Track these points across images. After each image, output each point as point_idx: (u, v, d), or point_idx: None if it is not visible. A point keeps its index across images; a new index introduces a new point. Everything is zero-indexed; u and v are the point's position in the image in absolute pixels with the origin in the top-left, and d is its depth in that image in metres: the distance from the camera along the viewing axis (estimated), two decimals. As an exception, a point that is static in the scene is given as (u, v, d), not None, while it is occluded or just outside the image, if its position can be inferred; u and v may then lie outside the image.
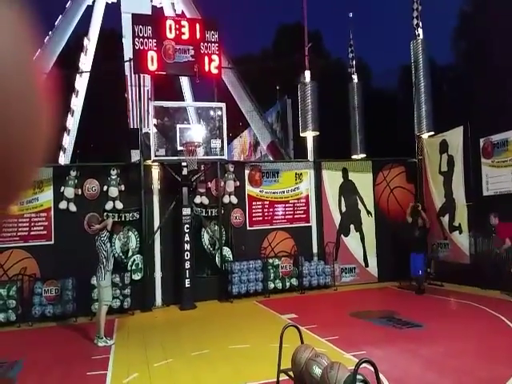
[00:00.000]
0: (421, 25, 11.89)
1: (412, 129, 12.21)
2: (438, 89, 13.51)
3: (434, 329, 7.07)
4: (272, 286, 10.64)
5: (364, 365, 3.00)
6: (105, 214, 9.92)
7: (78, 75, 18.97)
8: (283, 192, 11.57)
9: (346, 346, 6.24)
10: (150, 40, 10.20)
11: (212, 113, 10.42)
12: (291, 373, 3.73)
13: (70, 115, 19.49)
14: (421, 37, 11.89)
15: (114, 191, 10.06)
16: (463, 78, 22.84)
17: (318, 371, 3.33)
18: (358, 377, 2.83)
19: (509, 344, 6.10)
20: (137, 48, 10.20)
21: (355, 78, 14.08)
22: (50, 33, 16.62)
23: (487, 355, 5.70)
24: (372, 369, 2.99)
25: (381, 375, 4.74)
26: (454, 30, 27.71)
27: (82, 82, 19.07)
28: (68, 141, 19.48)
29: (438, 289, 10.36)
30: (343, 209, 11.95)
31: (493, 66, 19.51)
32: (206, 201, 10.74)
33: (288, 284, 10.82)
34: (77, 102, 19.26)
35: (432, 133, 11.79)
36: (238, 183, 11.14)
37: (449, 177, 11.09)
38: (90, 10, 18.23)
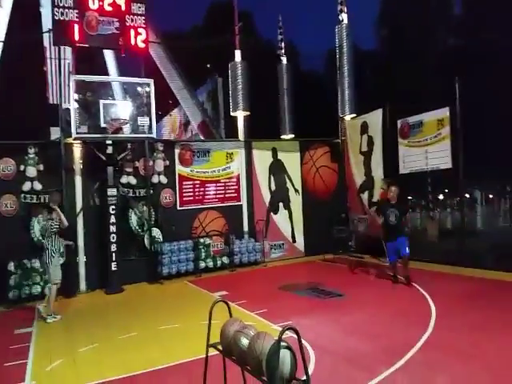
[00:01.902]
0: (345, 10, 12.23)
1: (336, 111, 12.67)
2: (360, 72, 14.05)
3: (354, 298, 7.57)
4: (203, 265, 10.67)
5: (290, 335, 3.12)
6: (22, 195, 9.28)
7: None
8: (214, 171, 11.55)
9: (274, 317, 6.47)
10: (71, 10, 9.56)
11: (139, 89, 10.02)
12: (220, 346, 3.79)
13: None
14: (345, 22, 12.24)
15: (31, 171, 9.41)
16: (384, 63, 24.01)
17: (245, 342, 3.41)
18: (282, 343, 2.95)
19: (419, 308, 6.71)
20: (56, 18, 9.52)
21: (284, 59, 14.22)
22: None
23: (401, 320, 6.21)
24: (296, 336, 3.12)
25: (306, 343, 4.99)
26: (376, 16, 28.90)
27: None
28: None
29: (359, 261, 11.01)
30: (273, 187, 12.23)
31: (411, 52, 20.69)
32: (133, 181, 10.41)
33: (219, 263, 10.92)
34: None
35: (354, 115, 12.34)
36: (167, 162, 10.91)
37: (368, 156, 11.74)
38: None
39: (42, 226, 9.31)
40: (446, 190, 13.95)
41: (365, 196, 11.87)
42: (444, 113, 9.92)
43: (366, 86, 18.23)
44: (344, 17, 12.29)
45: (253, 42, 25.17)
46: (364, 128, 11.90)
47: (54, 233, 7.66)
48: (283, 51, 14.29)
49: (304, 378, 2.91)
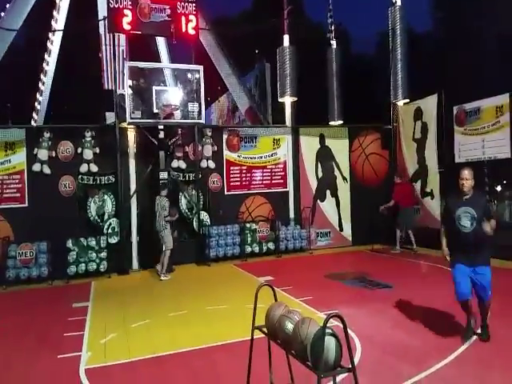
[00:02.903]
0: (398, -9, 11.74)
1: (388, 96, 12.27)
2: (414, 56, 13.51)
3: (404, 290, 7.38)
4: (249, 249, 10.83)
5: (335, 323, 3.14)
6: (79, 176, 9.79)
7: (50, 34, 18.14)
8: (261, 157, 11.60)
9: (319, 305, 6.49)
10: (125, -2, 9.82)
11: (189, 75, 10.21)
12: (265, 329, 3.87)
13: (42, 75, 18.77)
14: (398, 3, 11.76)
15: (88, 154, 9.89)
16: (439, 46, 22.91)
17: (290, 326, 3.46)
18: (327, 330, 2.96)
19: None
20: (111, 6, 9.81)
21: (334, 43, 13.92)
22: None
23: (452, 315, 6.01)
24: (342, 325, 3.13)
25: (351, 332, 4.98)
26: (433, -3, 27.55)
27: (54, 42, 18.26)
28: (41, 101, 18.84)
29: (410, 253, 10.74)
30: (320, 174, 12.11)
31: (469, 36, 19.60)
32: (183, 165, 10.69)
33: (265, 248, 11.02)
34: (50, 62, 18.50)
35: (407, 100, 11.89)
36: (215, 148, 11.09)
37: (422, 144, 11.30)
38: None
39: (97, 206, 9.82)
40: (505, 181, 13.26)
41: (417, 185, 11.49)
42: (503, 99, 9.37)
43: (420, 71, 17.50)
44: (397, -2, 11.81)
45: (302, 25, 24.76)
46: (418, 114, 11.46)
47: (165, 216, 9.18)
48: (333, 35, 13.99)
49: (349, 366, 2.91)
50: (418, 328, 5.58)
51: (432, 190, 10.97)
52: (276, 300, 4.07)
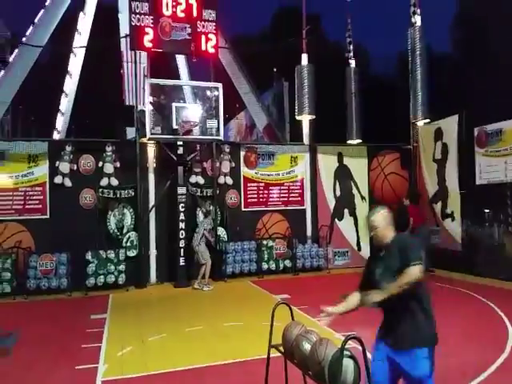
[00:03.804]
0: (418, 12, 11.80)
1: (408, 116, 12.24)
2: (434, 77, 13.49)
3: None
4: (266, 266, 10.80)
5: (353, 345, 3.11)
6: (100, 189, 9.96)
7: (72, 56, 18.71)
8: (278, 174, 11.64)
9: (337, 326, 6.36)
10: (146, 16, 10.11)
11: (208, 93, 10.40)
12: (281, 348, 3.85)
13: (65, 90, 19.29)
14: (418, 24, 11.80)
15: (109, 167, 10.07)
16: (460, 66, 22.83)
17: (307, 346, 3.44)
18: (346, 352, 2.94)
19: (495, 329, 6.28)
20: (133, 24, 10.11)
21: (353, 62, 14.02)
22: (47, 4, 16.31)
23: (475, 340, 5.87)
24: (360, 348, 3.10)
25: (369, 354, 4.90)
26: (452, 17, 27.55)
27: (76, 63, 18.82)
28: (61, 123, 19.32)
29: (429, 274, 10.56)
30: (338, 193, 12.07)
31: (489, 55, 19.49)
32: (201, 181, 10.80)
33: (282, 265, 10.98)
34: (70, 84, 19.04)
35: (427, 120, 11.83)
36: (233, 164, 11.18)
37: (442, 164, 11.20)
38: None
39: (117, 219, 9.97)
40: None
41: (438, 206, 11.34)
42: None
43: (441, 91, 17.42)
44: (417, 19, 11.86)
45: (320, 45, 25.02)
46: (438, 134, 11.38)
47: (204, 229, 9.76)
48: (351, 54, 14.10)
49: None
50: (439, 352, 5.42)
51: (453, 212, 10.82)
52: (293, 319, 4.05)
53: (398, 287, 2.99)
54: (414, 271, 2.96)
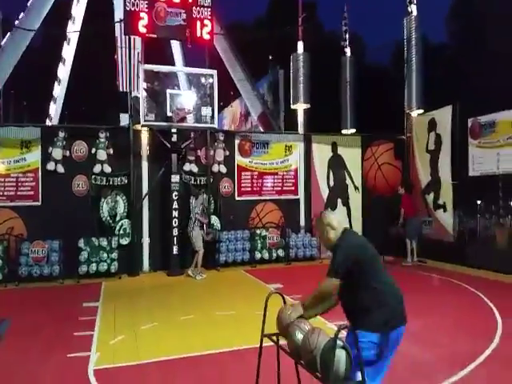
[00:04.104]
0: (415, 1, 11.73)
1: (402, 106, 12.23)
2: (429, 67, 13.45)
3: (416, 303, 7.28)
4: (259, 256, 10.83)
5: (345, 334, 3.13)
6: (92, 176, 9.88)
7: (65, 43, 18.44)
8: (272, 163, 11.63)
9: (330, 316, 6.40)
10: (141, 1, 9.95)
11: (203, 80, 10.30)
12: (274, 337, 3.86)
13: (56, 84, 19.04)
14: (414, 13, 11.74)
15: (102, 154, 9.99)
16: (455, 57, 22.81)
17: (299, 336, 3.45)
18: (338, 342, 2.95)
19: (485, 320, 6.35)
20: (128, 9, 9.95)
21: (348, 51, 13.94)
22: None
23: (465, 330, 5.94)
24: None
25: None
26: (449, 8, 27.40)
27: (69, 49, 18.55)
28: (54, 109, 19.10)
29: (422, 265, 10.65)
30: (331, 183, 12.09)
31: (485, 47, 19.47)
32: (195, 169, 10.75)
33: (275, 255, 11.02)
34: (64, 71, 18.78)
35: (421, 111, 11.85)
36: (227, 153, 11.14)
37: (435, 155, 11.24)
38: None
39: (110, 206, 9.92)
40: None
41: (430, 197, 11.40)
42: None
43: (435, 81, 17.38)
44: (413, 8, 11.79)
45: (316, 33, 24.82)
46: (432, 125, 11.41)
47: (196, 212, 9.65)
48: (347, 43, 14.01)
49: (359, 378, 2.90)
50: (430, 343, 5.52)
51: (445, 203, 10.89)
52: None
53: (311, 298, 3.30)
54: (324, 284, 3.17)
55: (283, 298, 4.10)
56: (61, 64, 18.89)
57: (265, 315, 3.95)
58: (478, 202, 10.02)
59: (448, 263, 10.35)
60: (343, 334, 3.01)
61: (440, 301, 7.56)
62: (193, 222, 9.63)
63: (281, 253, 11.07)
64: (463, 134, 10.49)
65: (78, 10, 18.28)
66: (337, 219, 3.29)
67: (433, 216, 11.25)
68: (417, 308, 6.94)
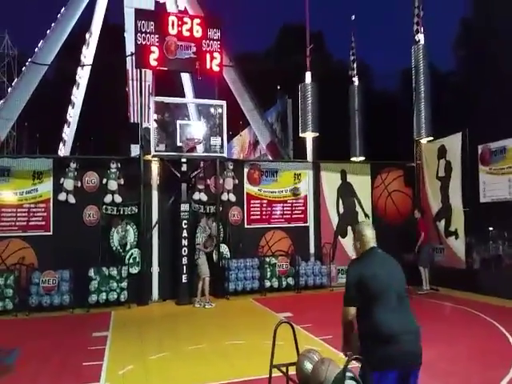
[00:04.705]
0: (422, 30, 11.93)
1: (411, 133, 12.28)
2: (438, 94, 13.58)
3: (428, 332, 7.07)
4: (268, 284, 10.72)
5: (357, 365, 3.07)
6: (103, 206, 9.98)
7: (79, 69, 19.02)
8: (281, 191, 11.65)
9: (340, 345, 6.31)
10: (152, 35, 10.25)
11: (212, 110, 10.48)
12: (283, 368, 3.80)
13: (70, 107, 19.55)
14: (421, 42, 11.93)
15: (113, 184, 10.11)
16: (463, 84, 23.00)
17: (309, 366, 3.40)
18: (348, 374, 2.90)
19: (501, 349, 6.18)
20: (139, 43, 10.25)
21: (356, 80, 14.15)
22: (53, 25, 16.62)
23: (479, 359, 5.78)
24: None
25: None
26: (455, 36, 27.85)
27: (83, 75, 19.11)
28: (68, 133, 19.54)
29: (434, 293, 10.43)
30: (341, 210, 12.04)
31: (493, 73, 19.63)
32: (204, 197, 10.81)
33: (284, 283, 10.89)
34: (78, 95, 19.29)
35: (431, 138, 11.87)
36: (236, 181, 11.20)
37: (446, 182, 11.19)
38: (93, 3, 18.27)
39: (120, 236, 9.98)
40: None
41: (441, 224, 11.28)
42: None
43: (444, 109, 17.51)
44: (420, 37, 11.99)
45: (324, 62, 25.29)
46: (441, 152, 11.40)
47: (197, 243, 9.73)
48: (355, 71, 14.24)
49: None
50: (442, 372, 5.37)
51: (456, 230, 10.75)
52: (295, 338, 4.01)
53: (342, 336, 3.25)
54: (342, 315, 3.15)
55: (293, 327, 4.05)
56: (73, 97, 19.42)
57: (274, 345, 3.90)
58: (490, 228, 9.90)
59: (460, 291, 10.14)
60: (353, 364, 2.95)
61: (453, 329, 7.37)
62: (199, 252, 9.65)
63: (290, 281, 10.94)
64: (473, 160, 10.48)
65: (91, 44, 18.91)
66: (367, 236, 3.21)
67: (444, 243, 11.10)
68: (430, 337, 6.77)
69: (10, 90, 15.94)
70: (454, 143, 10.99)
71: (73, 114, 19.48)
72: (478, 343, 6.58)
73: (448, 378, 5.17)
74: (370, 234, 3.22)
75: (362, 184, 12.26)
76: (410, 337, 2.92)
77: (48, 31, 16.25)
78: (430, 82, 11.95)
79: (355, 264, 3.18)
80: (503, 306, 8.80)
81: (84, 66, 18.74)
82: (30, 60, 15.22)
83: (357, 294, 2.99)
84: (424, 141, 12.00)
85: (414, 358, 2.93)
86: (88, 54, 19.06)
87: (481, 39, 23.12)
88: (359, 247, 3.24)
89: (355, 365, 3.09)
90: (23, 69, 15.45)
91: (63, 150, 19.58)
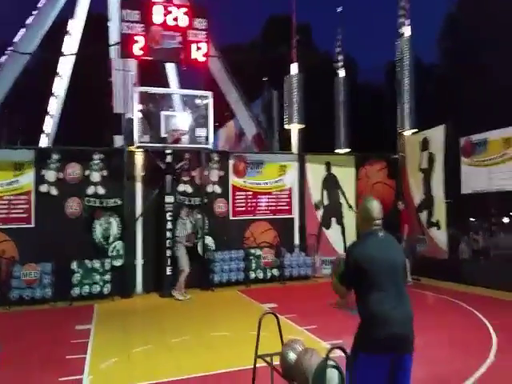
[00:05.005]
0: (407, 23, 11.99)
1: (395, 125, 12.38)
2: (421, 87, 13.69)
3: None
4: (253, 275, 10.74)
5: (339, 354, 3.10)
6: (86, 198, 9.85)
7: (61, 58, 18.63)
8: (266, 183, 11.65)
9: (324, 335, 6.39)
10: (137, 24, 10.08)
11: (198, 101, 10.39)
12: (268, 358, 3.83)
13: (52, 98, 19.16)
14: (406, 35, 11.99)
15: (96, 176, 9.98)
16: (447, 77, 23.23)
17: (292, 356, 3.43)
18: (330, 362, 2.93)
19: (480, 337, 6.32)
20: (124, 32, 10.07)
21: (342, 72, 14.18)
22: (34, 13, 16.20)
23: (459, 348, 5.91)
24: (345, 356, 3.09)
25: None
26: (440, 29, 28.06)
27: (65, 66, 18.73)
28: (51, 124, 19.18)
29: (416, 283, 10.59)
30: (325, 202, 12.12)
31: (476, 66, 19.86)
32: (189, 189, 10.75)
33: (269, 274, 10.94)
34: (60, 86, 18.92)
35: (414, 130, 11.99)
36: (222, 173, 11.16)
37: (428, 174, 11.33)
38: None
39: (103, 228, 9.86)
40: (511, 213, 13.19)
41: (423, 215, 11.45)
42: (511, 132, 9.44)
43: (428, 101, 17.68)
44: (405, 30, 12.05)
45: (310, 54, 25.24)
46: (424, 144, 11.54)
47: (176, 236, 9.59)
48: (341, 64, 14.26)
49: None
50: (424, 360, 5.45)
51: (438, 221, 10.93)
52: (280, 328, 4.03)
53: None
54: (332, 283, 3.27)
55: (277, 318, 4.07)
56: (55, 87, 19.04)
57: (258, 336, 3.92)
58: (471, 219, 10.08)
59: (442, 281, 10.32)
60: (335, 353, 2.99)
61: (435, 318, 7.50)
62: (177, 242, 9.58)
63: (275, 272, 11.00)
64: (455, 152, 10.62)
65: (73, 33, 18.53)
66: (370, 214, 3.12)
67: (426, 234, 11.27)
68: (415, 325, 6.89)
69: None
70: (436, 135, 11.12)
71: (55, 106, 19.11)
72: (459, 332, 6.72)
73: (430, 366, 5.27)
74: (375, 210, 3.14)
75: (346, 175, 12.34)
76: (402, 321, 2.91)
77: (29, 19, 15.85)
78: (413, 74, 12.03)
79: (356, 245, 3.12)
80: (484, 295, 8.98)
81: (67, 55, 18.37)
82: (11, 49, 14.84)
83: (352, 276, 2.97)
84: (408, 133, 12.12)
85: (405, 343, 2.91)
86: (71, 44, 18.68)
87: (466, 31, 23.35)
88: (362, 225, 3.19)
89: (337, 354, 3.11)
90: (3, 57, 15.05)
91: (46, 141, 19.21)
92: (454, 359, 5.50)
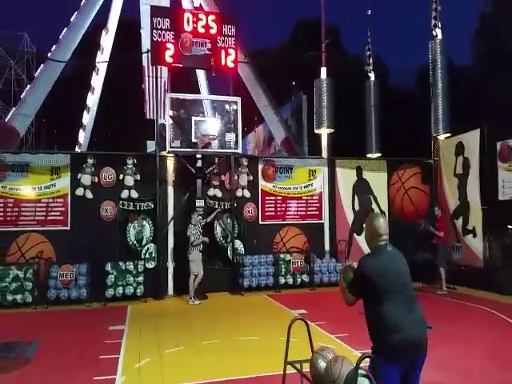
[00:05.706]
0: (439, 25, 11.73)
1: (429, 129, 12.10)
2: (455, 90, 13.35)
3: (445, 331, 7.05)
4: (283, 280, 10.72)
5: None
6: (120, 202, 10.10)
7: (94, 72, 19.19)
8: (296, 188, 11.62)
9: (355, 343, 6.29)
10: (167, 32, 10.29)
11: (227, 106, 10.51)
12: (297, 365, 3.81)
13: (88, 104, 19.75)
14: (439, 37, 11.73)
15: (129, 180, 10.23)
16: (482, 79, 22.54)
17: (322, 364, 3.40)
18: (361, 371, 2.89)
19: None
20: (155, 40, 10.31)
21: (372, 75, 14.01)
22: (71, 20, 16.78)
23: (496, 359, 5.70)
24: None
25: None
26: (473, 30, 27.30)
27: (98, 78, 19.28)
28: (84, 136, 19.76)
29: (450, 292, 10.31)
30: (356, 207, 11.96)
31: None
32: (219, 193, 10.86)
33: (299, 280, 10.88)
34: (92, 99, 19.48)
35: (448, 134, 11.69)
36: (251, 177, 11.22)
37: (464, 179, 11.01)
38: (109, 0, 18.40)
39: (136, 231, 10.08)
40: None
41: (459, 222, 11.12)
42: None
43: (462, 104, 17.22)
44: (438, 32, 11.79)
45: (340, 58, 25.05)
46: (459, 149, 11.22)
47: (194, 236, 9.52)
48: (371, 67, 14.09)
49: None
50: (460, 372, 5.31)
51: (474, 228, 10.60)
52: (310, 335, 4.01)
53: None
54: (344, 296, 3.54)
55: (307, 324, 4.05)
56: (90, 94, 19.62)
57: (288, 342, 3.91)
58: (509, 226, 9.73)
59: (478, 290, 10.00)
60: (366, 362, 2.95)
61: (470, 329, 7.28)
62: (190, 245, 9.53)
63: (305, 278, 10.92)
64: (492, 157, 10.28)
65: (107, 41, 19.06)
66: (378, 229, 3.22)
67: (462, 241, 10.95)
68: (446, 336, 6.72)
69: (27, 86, 16.18)
70: (472, 140, 10.80)
71: (88, 119, 19.68)
72: (495, 342, 6.49)
73: (464, 378, 5.12)
74: (382, 227, 3.23)
75: (378, 181, 12.14)
76: (414, 326, 3.03)
77: (65, 29, 16.43)
78: (447, 77, 11.75)
79: (367, 259, 3.23)
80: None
81: (101, 62, 18.92)
82: (47, 57, 15.41)
83: (361, 287, 3.16)
84: (442, 137, 11.82)
85: (419, 346, 3.05)
86: (104, 51, 19.23)
87: (499, 32, 22.64)
88: (370, 241, 3.29)
89: (368, 363, 3.07)
90: (41, 66, 15.63)
91: (82, 145, 19.79)
92: (489, 371, 5.31)
